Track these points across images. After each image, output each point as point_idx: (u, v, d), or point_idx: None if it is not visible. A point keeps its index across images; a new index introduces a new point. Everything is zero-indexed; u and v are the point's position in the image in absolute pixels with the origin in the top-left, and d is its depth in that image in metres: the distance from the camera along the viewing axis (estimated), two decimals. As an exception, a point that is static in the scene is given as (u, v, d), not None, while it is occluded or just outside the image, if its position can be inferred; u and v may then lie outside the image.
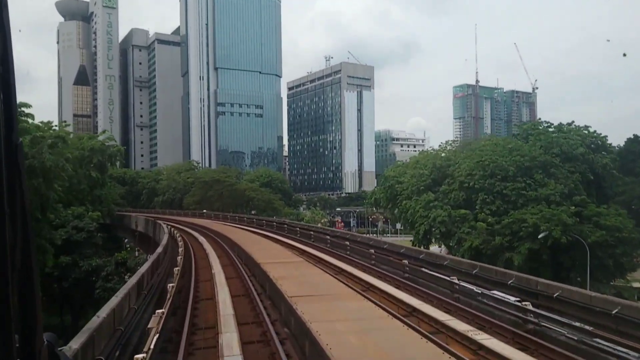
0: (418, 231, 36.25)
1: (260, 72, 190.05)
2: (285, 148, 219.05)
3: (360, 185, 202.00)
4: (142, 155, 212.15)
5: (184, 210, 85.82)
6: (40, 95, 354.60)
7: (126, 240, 58.74)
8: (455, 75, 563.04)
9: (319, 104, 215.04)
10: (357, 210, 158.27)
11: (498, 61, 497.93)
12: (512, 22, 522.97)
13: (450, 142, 55.45)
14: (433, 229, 34.99)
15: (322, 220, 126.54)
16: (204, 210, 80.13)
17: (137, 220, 51.15)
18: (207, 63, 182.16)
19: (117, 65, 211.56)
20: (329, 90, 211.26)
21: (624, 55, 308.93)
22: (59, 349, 1.50)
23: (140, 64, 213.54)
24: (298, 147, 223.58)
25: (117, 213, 64.70)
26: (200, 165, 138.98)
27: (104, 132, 62.45)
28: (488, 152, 36.96)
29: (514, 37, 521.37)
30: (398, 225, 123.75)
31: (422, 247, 36.01)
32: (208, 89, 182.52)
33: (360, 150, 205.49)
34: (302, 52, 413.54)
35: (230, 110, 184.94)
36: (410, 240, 39.77)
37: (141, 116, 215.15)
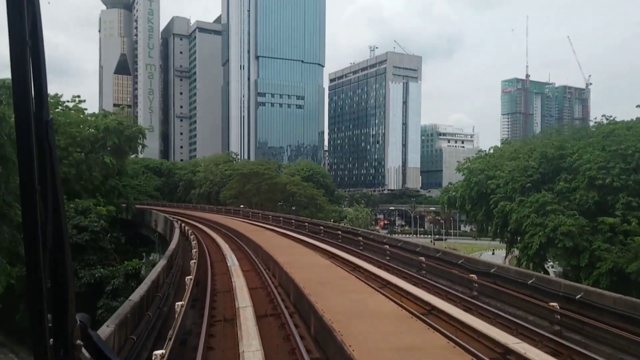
0: (528, 244, 26.45)
1: (302, 62, 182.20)
2: (325, 142, 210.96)
3: (404, 181, 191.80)
4: (181, 147, 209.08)
5: (217, 207, 79.31)
6: (88, 88, 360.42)
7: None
8: (500, 70, 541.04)
9: (362, 96, 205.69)
10: (403, 208, 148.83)
11: (545, 56, 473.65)
12: (559, 17, 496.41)
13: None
14: (555, 242, 25.16)
15: (367, 219, 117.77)
16: (242, 206, 72.93)
17: (157, 218, 43.13)
18: (248, 51, 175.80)
19: (157, 54, 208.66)
20: (372, 82, 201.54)
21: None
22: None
23: (181, 53, 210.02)
24: (338, 142, 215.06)
25: (138, 207, 56.21)
26: (239, 157, 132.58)
27: (121, 109, 49.95)
28: (629, 137, 26.80)
29: (560, 32, 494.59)
30: (464, 227, 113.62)
31: (532, 266, 26.60)
32: (248, 79, 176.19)
33: (404, 145, 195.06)
34: (342, 48, 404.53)
35: (271, 100, 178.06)
36: (513, 256, 30.57)
37: (181, 107, 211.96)
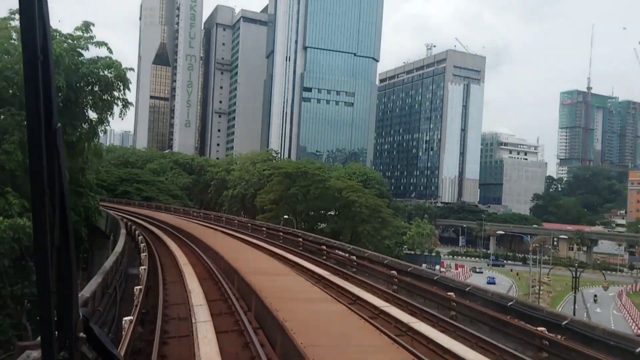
0: None
1: (355, 54, 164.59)
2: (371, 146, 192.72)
3: (460, 194, 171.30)
4: (218, 145, 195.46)
5: (247, 217, 62.94)
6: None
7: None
8: (552, 84, 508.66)
9: (415, 98, 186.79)
10: (462, 225, 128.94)
11: (605, 69, 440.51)
12: (621, 27, 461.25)
13: None
14: None
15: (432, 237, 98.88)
16: (285, 217, 55.85)
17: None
18: (296, 42, 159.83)
19: (199, 45, 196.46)
20: (428, 83, 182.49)
21: None
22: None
23: (223, 44, 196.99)
24: (386, 146, 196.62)
25: (102, 205, 33.47)
26: (279, 156, 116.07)
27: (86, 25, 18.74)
28: None
29: (610, 45, 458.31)
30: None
31: None
32: (294, 72, 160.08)
33: (462, 154, 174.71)
34: (385, 56, 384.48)
35: (317, 96, 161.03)
36: None
37: (220, 102, 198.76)
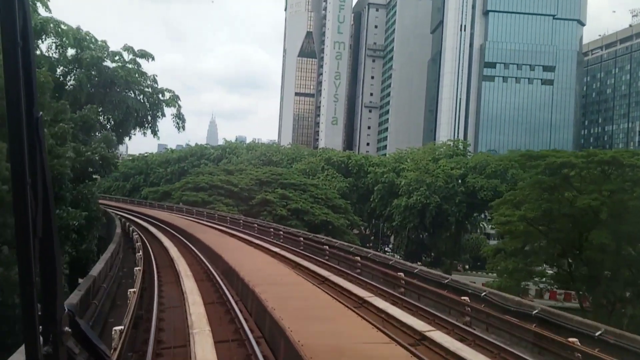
0: None
1: (553, 17, 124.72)
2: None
3: None
4: (367, 144, 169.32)
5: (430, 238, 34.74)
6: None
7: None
8: None
9: (621, 78, 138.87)
10: None
11: None
12: None
13: None
14: None
15: None
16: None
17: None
18: (473, 6, 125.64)
19: (348, 30, 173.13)
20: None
21: None
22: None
23: (375, 27, 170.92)
24: (591, 140, 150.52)
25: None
26: (467, 150, 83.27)
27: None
28: None
29: None
30: None
31: None
32: (471, 45, 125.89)
33: None
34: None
35: (503, 73, 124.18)
36: None
37: (371, 94, 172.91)
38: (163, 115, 43.95)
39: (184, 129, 48.09)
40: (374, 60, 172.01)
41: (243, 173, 63.42)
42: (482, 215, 72.73)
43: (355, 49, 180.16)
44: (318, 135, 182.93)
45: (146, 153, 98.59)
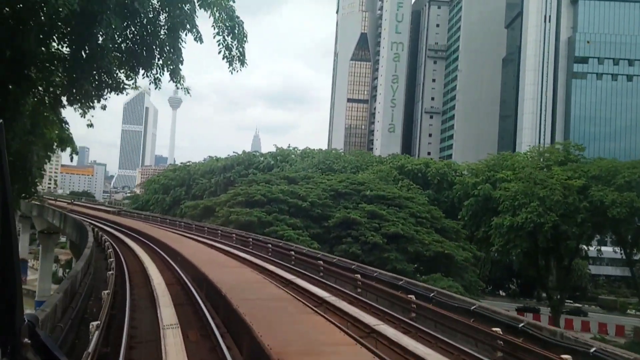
0: None
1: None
2: None
3: None
4: (428, 154, 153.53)
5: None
6: (323, 114, 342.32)
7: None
8: None
9: None
10: None
11: None
12: None
13: None
14: None
15: None
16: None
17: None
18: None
19: (406, 30, 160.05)
20: None
21: None
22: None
23: (437, 26, 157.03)
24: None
25: None
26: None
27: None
28: None
29: None
30: None
31: None
32: (556, 37, 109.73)
33: None
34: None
35: (597, 69, 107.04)
36: None
37: (432, 98, 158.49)
38: (191, 30, 11.81)
39: (241, 64, 14.23)
40: (435, 62, 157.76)
41: (310, 182, 50.73)
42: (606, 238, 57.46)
43: (414, 50, 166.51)
44: (372, 144, 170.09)
45: (189, 162, 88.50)
